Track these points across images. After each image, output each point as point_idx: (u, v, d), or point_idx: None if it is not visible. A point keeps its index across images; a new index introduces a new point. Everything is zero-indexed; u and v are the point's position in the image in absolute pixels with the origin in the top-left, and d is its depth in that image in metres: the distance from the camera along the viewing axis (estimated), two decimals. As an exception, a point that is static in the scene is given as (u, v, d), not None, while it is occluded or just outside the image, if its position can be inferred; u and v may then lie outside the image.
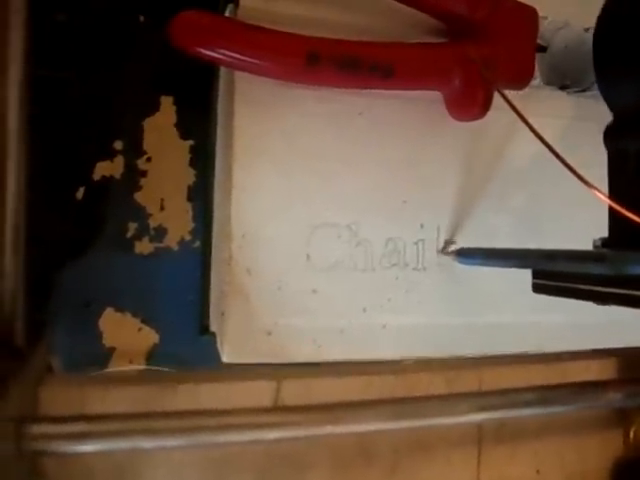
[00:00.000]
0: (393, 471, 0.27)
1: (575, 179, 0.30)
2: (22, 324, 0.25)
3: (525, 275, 0.35)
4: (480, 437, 0.28)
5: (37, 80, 0.32)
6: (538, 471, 0.30)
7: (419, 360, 0.29)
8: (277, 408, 0.24)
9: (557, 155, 0.29)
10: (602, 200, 0.28)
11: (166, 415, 0.23)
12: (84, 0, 0.34)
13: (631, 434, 0.32)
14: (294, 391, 0.25)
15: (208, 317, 0.36)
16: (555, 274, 0.30)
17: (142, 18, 0.35)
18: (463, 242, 0.35)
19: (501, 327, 0.36)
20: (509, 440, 0.29)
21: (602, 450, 0.31)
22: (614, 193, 0.30)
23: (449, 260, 0.35)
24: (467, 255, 0.34)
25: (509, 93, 0.34)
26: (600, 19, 0.31)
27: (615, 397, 0.30)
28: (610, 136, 0.31)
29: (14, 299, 0.25)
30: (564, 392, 0.29)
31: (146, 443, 0.22)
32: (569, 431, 0.31)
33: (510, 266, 0.32)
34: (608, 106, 0.31)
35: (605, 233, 0.30)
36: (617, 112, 0.30)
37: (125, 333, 0.35)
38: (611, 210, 0.30)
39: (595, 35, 0.31)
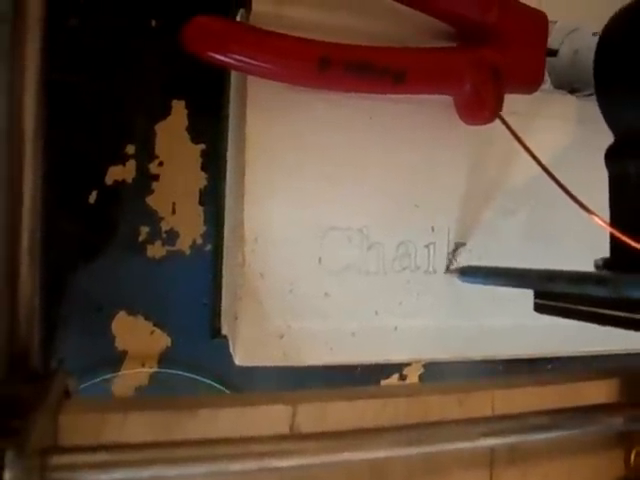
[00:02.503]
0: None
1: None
2: (38, 344, 0.25)
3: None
4: (492, 459, 0.28)
5: (49, 84, 0.32)
6: (549, 493, 0.31)
7: (432, 385, 0.29)
8: (295, 436, 0.25)
9: (557, 181, 0.29)
10: (602, 226, 0.29)
11: (187, 443, 0.23)
12: (96, 5, 0.34)
13: (632, 457, 0.32)
14: (310, 415, 0.25)
15: (220, 320, 0.36)
16: (557, 295, 0.30)
17: (154, 22, 0.35)
18: (473, 245, 0.35)
19: (512, 329, 0.36)
20: (521, 462, 0.29)
21: (613, 471, 0.32)
22: (615, 215, 0.30)
23: (459, 263, 0.35)
24: (469, 274, 0.34)
25: (519, 97, 0.34)
26: (600, 43, 0.31)
27: (618, 421, 0.30)
28: (611, 157, 0.31)
29: (29, 320, 0.25)
30: (571, 416, 0.29)
31: (168, 471, 0.22)
32: (579, 453, 0.31)
33: (511, 286, 0.32)
34: (609, 127, 0.31)
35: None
36: (618, 134, 0.31)
37: (137, 336, 0.35)
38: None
39: (596, 58, 0.31)
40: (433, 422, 0.27)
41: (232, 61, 0.29)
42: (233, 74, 0.35)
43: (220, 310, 0.36)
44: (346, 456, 0.25)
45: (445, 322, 0.35)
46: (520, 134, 0.35)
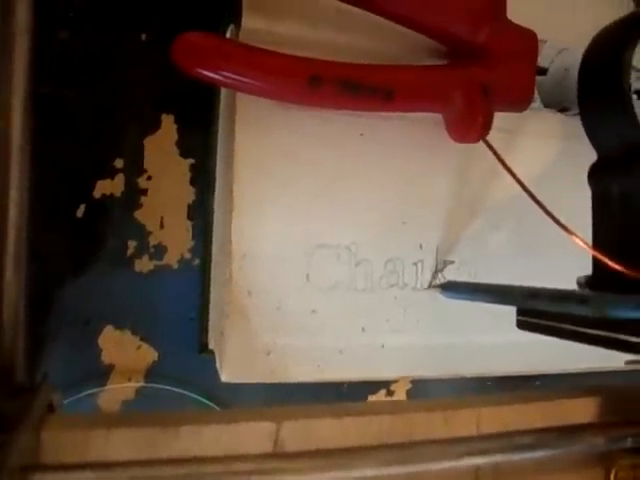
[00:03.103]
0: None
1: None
2: (23, 357, 0.25)
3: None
4: (477, 477, 0.29)
5: (38, 97, 0.32)
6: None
7: (418, 402, 0.29)
8: (280, 454, 0.25)
9: (538, 202, 0.29)
10: (583, 247, 0.29)
11: (172, 462, 0.23)
12: (86, 18, 0.34)
13: (612, 477, 0.32)
14: (294, 432, 0.25)
15: (207, 335, 0.36)
16: (539, 312, 0.30)
17: (144, 36, 0.35)
18: (461, 263, 0.35)
19: (501, 347, 0.36)
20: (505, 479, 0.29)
21: None
22: (598, 234, 0.31)
23: (447, 280, 0.35)
24: (451, 289, 0.34)
25: (509, 115, 0.34)
26: (583, 64, 0.31)
27: (599, 441, 0.30)
28: (594, 176, 0.31)
29: (14, 332, 0.25)
30: (555, 436, 0.29)
31: None
32: (563, 472, 0.31)
33: (493, 302, 0.32)
34: (592, 146, 0.31)
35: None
36: (601, 153, 0.31)
37: (124, 351, 0.35)
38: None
39: (579, 78, 0.31)
40: (418, 441, 0.27)
41: (221, 78, 0.29)
42: (223, 89, 0.35)
43: (207, 325, 0.36)
44: (331, 475, 0.25)
45: (433, 339, 0.35)
46: (509, 152, 0.35)
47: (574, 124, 0.36)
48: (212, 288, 0.36)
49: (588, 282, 0.31)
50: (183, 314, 0.36)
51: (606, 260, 0.28)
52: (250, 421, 0.25)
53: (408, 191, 0.34)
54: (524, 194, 0.37)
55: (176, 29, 0.29)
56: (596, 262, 0.30)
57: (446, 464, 0.27)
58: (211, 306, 0.36)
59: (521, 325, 0.32)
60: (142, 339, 0.35)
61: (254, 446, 0.24)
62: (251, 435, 0.24)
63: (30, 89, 0.26)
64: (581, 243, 0.29)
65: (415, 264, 0.34)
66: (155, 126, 0.35)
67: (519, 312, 0.31)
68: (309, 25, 0.32)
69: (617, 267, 0.28)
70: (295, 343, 0.32)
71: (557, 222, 0.29)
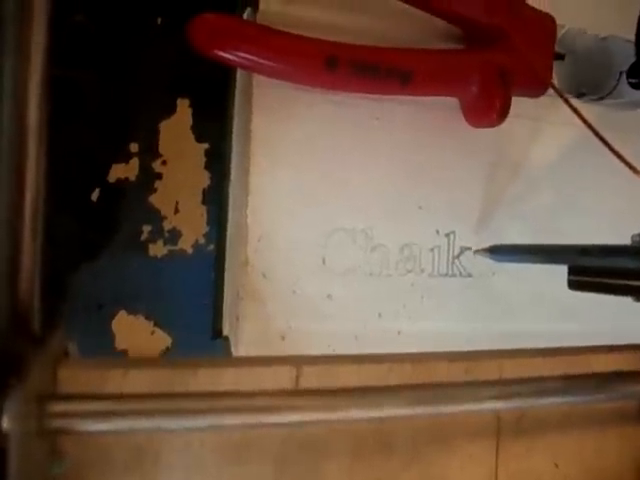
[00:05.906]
0: (412, 461, 0.27)
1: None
2: (38, 312, 0.25)
3: (541, 282, 0.35)
4: (499, 429, 0.28)
5: (54, 80, 0.31)
6: (556, 465, 0.30)
7: (439, 352, 0.29)
8: (299, 391, 0.24)
9: (609, 146, 0.28)
10: None
11: (188, 396, 0.22)
12: (102, 1, 0.34)
13: None
14: (314, 376, 0.25)
15: (221, 321, 0.35)
16: (591, 270, 0.29)
17: (160, 20, 0.35)
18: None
19: (516, 334, 0.36)
20: (528, 433, 0.29)
21: (622, 445, 0.31)
22: None
23: (464, 266, 0.35)
24: (500, 252, 0.34)
25: (525, 100, 0.34)
26: None
27: (634, 389, 0.29)
28: None
29: (30, 288, 0.25)
30: (586, 383, 0.28)
31: (168, 423, 0.22)
32: (588, 425, 0.30)
33: (545, 262, 0.32)
34: None
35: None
36: None
37: (138, 336, 0.35)
38: None
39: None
40: (440, 383, 0.26)
41: (238, 59, 0.29)
42: (239, 73, 0.34)
43: (221, 311, 0.36)
44: (353, 413, 0.24)
45: (450, 326, 0.35)
46: (526, 137, 0.35)
47: (591, 110, 0.36)
48: (227, 273, 0.35)
49: None
50: (197, 299, 0.36)
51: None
52: (270, 366, 0.25)
53: (423, 175, 0.34)
54: (543, 182, 0.36)
55: (192, 13, 0.29)
56: None
57: (468, 407, 0.26)
58: (226, 291, 0.35)
59: (573, 285, 0.30)
60: (156, 324, 0.35)
61: (274, 388, 0.24)
62: (271, 378, 0.24)
63: (47, 73, 0.26)
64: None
65: (432, 250, 0.34)
66: (170, 110, 0.35)
67: (570, 271, 0.31)
68: (326, 8, 0.32)
69: None
70: (310, 328, 0.32)
71: (622, 159, 0.28)
